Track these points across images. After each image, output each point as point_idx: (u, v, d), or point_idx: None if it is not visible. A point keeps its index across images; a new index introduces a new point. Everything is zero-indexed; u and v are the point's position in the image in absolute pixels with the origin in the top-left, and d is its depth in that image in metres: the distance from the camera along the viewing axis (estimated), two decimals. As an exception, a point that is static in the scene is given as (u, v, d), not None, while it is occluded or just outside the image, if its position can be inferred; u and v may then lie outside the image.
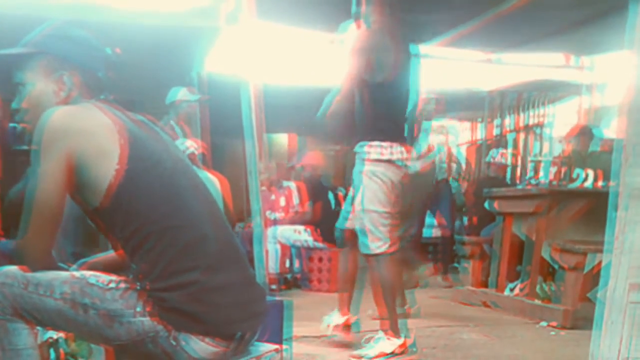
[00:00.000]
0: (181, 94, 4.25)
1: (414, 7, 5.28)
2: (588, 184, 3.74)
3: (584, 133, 4.29)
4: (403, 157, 2.66)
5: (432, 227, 5.34)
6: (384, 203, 2.64)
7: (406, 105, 2.73)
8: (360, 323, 3.10)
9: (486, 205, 4.23)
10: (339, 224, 2.84)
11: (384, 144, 2.62)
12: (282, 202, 5.47)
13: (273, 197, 5.50)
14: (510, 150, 5.71)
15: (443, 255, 5.59)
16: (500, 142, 6.52)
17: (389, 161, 2.62)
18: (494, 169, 5.43)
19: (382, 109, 2.65)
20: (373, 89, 2.64)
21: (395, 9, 2.73)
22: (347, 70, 2.65)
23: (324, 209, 5.07)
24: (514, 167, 6.00)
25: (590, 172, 3.68)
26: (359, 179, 2.67)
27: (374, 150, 2.63)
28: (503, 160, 5.42)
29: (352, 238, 2.80)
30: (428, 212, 5.21)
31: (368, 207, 2.63)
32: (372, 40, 2.65)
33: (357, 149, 2.69)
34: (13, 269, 1.38)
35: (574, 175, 3.74)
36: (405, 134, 2.72)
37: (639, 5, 1.40)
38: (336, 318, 3.06)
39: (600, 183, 3.72)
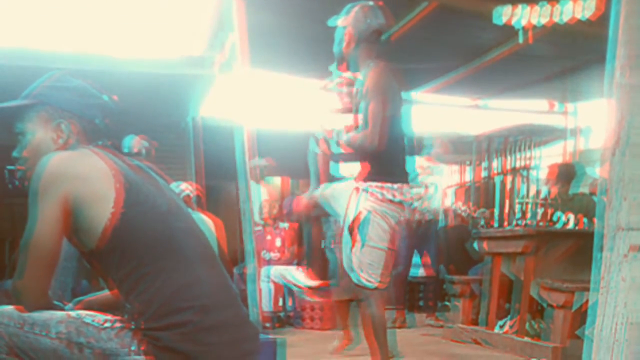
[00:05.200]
0: (133, 142, 4.21)
1: (405, 55, 5.49)
2: (569, 226, 3.81)
3: (563, 173, 4.36)
4: (409, 198, 2.74)
5: (419, 267, 5.34)
6: (388, 240, 2.70)
7: (406, 147, 2.83)
8: None
9: (475, 245, 4.27)
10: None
11: (395, 185, 2.69)
12: (278, 242, 5.51)
13: (269, 237, 5.54)
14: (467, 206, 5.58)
15: (431, 294, 5.57)
16: (488, 184, 6.59)
17: (400, 202, 2.70)
18: (459, 219, 5.44)
19: (394, 150, 2.73)
20: (389, 126, 2.69)
21: (381, 56, 2.81)
22: (372, 108, 2.67)
23: (312, 249, 5.10)
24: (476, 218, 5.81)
25: (571, 216, 3.76)
26: (366, 216, 2.71)
27: (387, 192, 2.69)
28: (463, 212, 5.36)
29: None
30: (415, 251, 5.24)
31: (376, 245, 2.69)
32: (384, 77, 2.71)
33: (366, 187, 2.73)
34: (9, 308, 1.40)
35: (555, 219, 3.81)
36: (407, 174, 2.81)
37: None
38: None
39: (583, 224, 3.79)
